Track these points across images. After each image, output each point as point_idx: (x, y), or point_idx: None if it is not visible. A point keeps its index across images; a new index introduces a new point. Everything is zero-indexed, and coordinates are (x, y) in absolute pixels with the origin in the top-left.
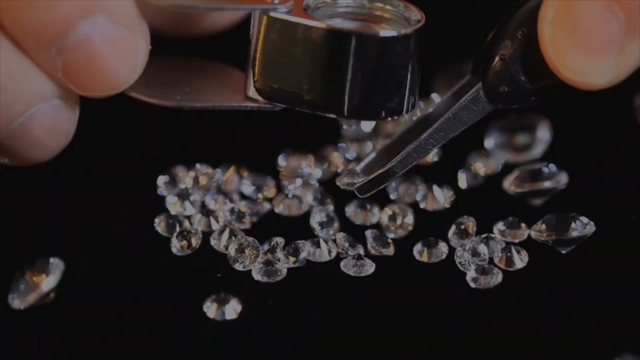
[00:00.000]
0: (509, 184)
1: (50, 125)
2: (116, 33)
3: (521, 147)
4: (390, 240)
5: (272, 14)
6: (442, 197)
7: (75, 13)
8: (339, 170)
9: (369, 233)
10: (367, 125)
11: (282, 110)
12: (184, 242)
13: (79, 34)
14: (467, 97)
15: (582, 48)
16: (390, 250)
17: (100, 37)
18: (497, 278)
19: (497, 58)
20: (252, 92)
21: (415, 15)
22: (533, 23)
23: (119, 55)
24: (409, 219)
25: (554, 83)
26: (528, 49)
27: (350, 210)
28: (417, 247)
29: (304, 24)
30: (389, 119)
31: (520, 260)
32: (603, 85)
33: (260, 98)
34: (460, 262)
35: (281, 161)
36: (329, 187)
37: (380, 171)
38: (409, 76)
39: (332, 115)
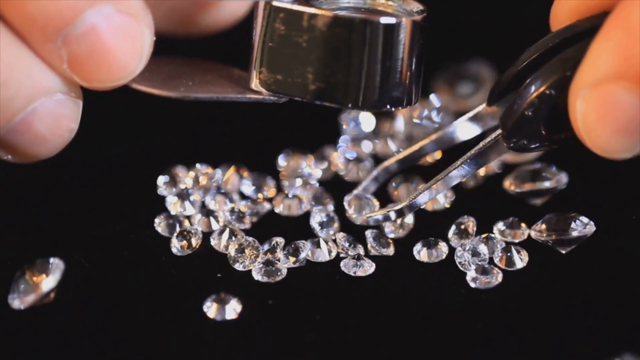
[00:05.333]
0: (509, 184)
1: (53, 121)
2: (122, 22)
3: None
4: (390, 241)
5: (276, 3)
6: (442, 197)
7: (81, 2)
8: (346, 198)
9: (369, 233)
10: (367, 125)
11: (282, 110)
12: (184, 242)
13: (84, 23)
14: (487, 143)
15: (614, 131)
16: (390, 251)
17: (106, 26)
18: (497, 278)
19: (521, 113)
20: (255, 84)
21: (418, 7)
22: (563, 86)
23: (124, 44)
24: (409, 218)
25: (574, 135)
26: (553, 109)
27: (348, 200)
28: (417, 247)
29: (309, 12)
30: (393, 109)
31: (520, 260)
32: (628, 158)
33: (264, 90)
34: (460, 262)
35: (281, 161)
36: (329, 187)
37: (395, 208)
38: (413, 66)
39: (337, 106)
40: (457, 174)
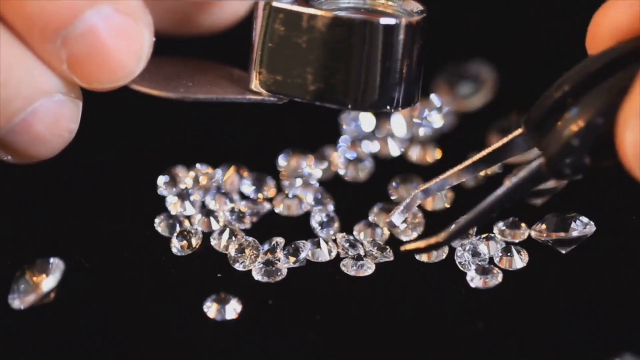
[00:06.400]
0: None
1: (53, 121)
2: (121, 22)
3: None
4: (387, 246)
5: (276, 3)
6: (442, 197)
7: (80, 2)
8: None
9: (366, 242)
10: (367, 125)
11: (283, 110)
12: (184, 242)
13: (84, 24)
14: (529, 173)
15: None
16: (389, 255)
17: (105, 27)
18: (497, 278)
19: (566, 142)
20: (255, 85)
21: (417, 7)
22: (610, 115)
23: (124, 45)
24: (420, 219)
25: (618, 163)
26: (600, 139)
27: (358, 228)
28: None
29: (309, 13)
30: (392, 110)
31: (520, 260)
32: None
33: (263, 91)
34: (460, 262)
35: (281, 161)
36: (329, 187)
37: (433, 240)
38: (413, 67)
39: (336, 107)
40: (496, 206)
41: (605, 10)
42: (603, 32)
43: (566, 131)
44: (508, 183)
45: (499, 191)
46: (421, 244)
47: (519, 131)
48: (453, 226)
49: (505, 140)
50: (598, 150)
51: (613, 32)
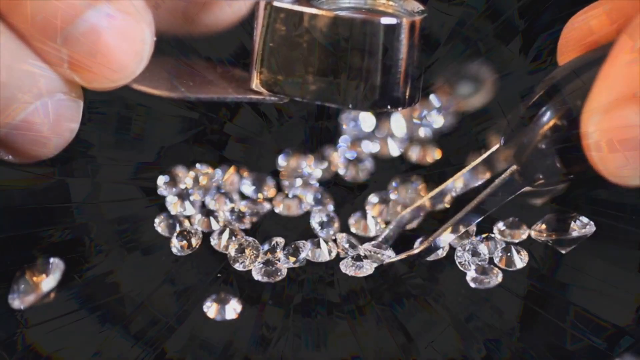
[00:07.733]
0: None
1: (54, 121)
2: (122, 22)
3: None
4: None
5: (277, 3)
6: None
7: (81, 2)
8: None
9: (367, 245)
10: (367, 125)
11: (282, 110)
12: (184, 242)
13: (85, 23)
14: (502, 180)
15: (629, 158)
16: (390, 252)
17: (106, 26)
18: (497, 278)
19: (534, 147)
20: (256, 85)
21: (418, 7)
22: (575, 117)
23: (125, 44)
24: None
25: (588, 167)
26: (567, 141)
27: (353, 220)
28: (417, 247)
29: (310, 13)
30: (393, 110)
31: (520, 260)
32: None
33: (264, 91)
34: (460, 262)
35: (281, 161)
36: (329, 187)
37: (413, 252)
38: (413, 66)
39: (337, 106)
40: (472, 215)
41: (571, 24)
42: (571, 45)
43: (533, 136)
44: (482, 194)
45: (474, 201)
46: (401, 256)
47: (496, 146)
48: (430, 238)
49: (485, 155)
50: (569, 155)
51: (579, 44)
